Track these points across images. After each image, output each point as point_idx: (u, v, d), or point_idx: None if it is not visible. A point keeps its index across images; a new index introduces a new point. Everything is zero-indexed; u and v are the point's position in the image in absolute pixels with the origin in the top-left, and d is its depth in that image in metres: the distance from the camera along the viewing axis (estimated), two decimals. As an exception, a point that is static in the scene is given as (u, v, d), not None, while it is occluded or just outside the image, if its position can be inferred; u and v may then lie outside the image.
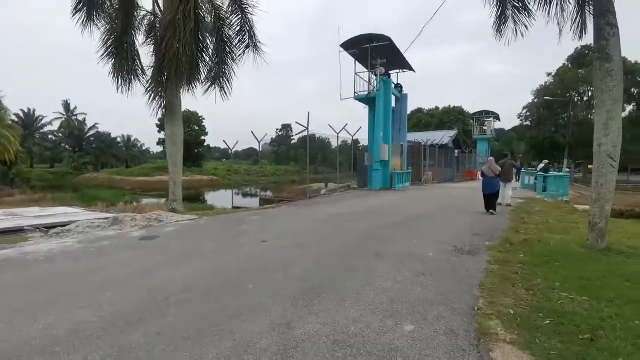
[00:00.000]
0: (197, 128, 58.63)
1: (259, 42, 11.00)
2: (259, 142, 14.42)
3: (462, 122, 60.22)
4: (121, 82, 10.19)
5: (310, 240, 6.00)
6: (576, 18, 7.37)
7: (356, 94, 16.68)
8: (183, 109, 11.26)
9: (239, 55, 11.16)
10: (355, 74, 16.59)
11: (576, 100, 42.49)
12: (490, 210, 9.67)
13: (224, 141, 14.87)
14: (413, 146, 22.23)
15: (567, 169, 16.79)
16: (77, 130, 55.81)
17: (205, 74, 10.92)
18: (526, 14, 7.01)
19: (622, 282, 4.12)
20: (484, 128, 43.67)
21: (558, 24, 6.99)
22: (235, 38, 11.09)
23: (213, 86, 11.12)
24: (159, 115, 10.57)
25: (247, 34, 11.08)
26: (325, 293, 3.63)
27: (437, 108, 67.68)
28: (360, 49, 16.24)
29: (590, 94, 39.81)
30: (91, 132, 59.11)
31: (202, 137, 59.47)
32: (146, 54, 10.46)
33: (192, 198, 30.51)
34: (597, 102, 5.94)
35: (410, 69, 19.68)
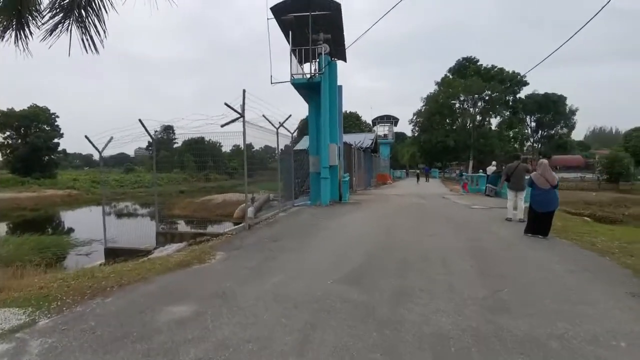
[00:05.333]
0: (47, 128, 44.84)
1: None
2: (152, 137, 8.83)
3: (358, 127, 61.57)
4: None
5: None
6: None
7: (293, 78, 12.39)
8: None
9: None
10: (292, 49, 12.29)
11: (456, 107, 46.62)
12: (538, 235, 6.81)
13: (86, 137, 8.76)
14: (345, 148, 19.05)
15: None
16: None
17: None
18: None
19: None
20: (386, 133, 44.29)
21: None
22: None
23: (66, 23, 5.48)
24: None
25: None
26: None
27: (333, 113, 67.93)
28: (296, 19, 12.05)
29: (473, 102, 43.97)
30: None
31: (55, 140, 45.60)
32: None
33: (38, 225, 21.12)
34: None
35: (344, 58, 16.41)
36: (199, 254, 5.91)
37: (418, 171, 34.74)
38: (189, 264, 5.25)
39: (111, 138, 9.08)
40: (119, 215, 26.27)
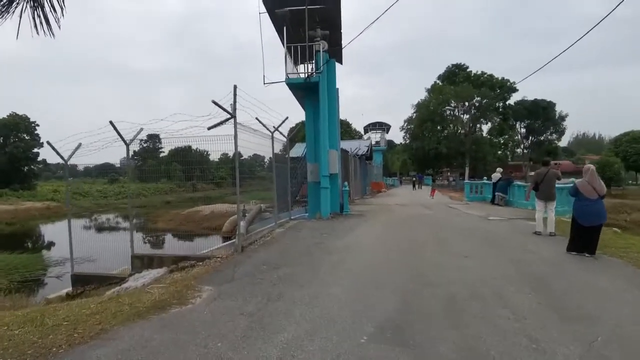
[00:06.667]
0: (26, 137, 42.57)
1: None
2: (125, 142, 7.50)
3: (349, 134, 60.78)
4: None
5: None
6: None
7: (288, 77, 11.26)
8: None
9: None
10: (287, 47, 11.17)
11: (447, 114, 46.08)
12: (584, 253, 5.82)
13: (48, 142, 7.43)
14: (342, 155, 17.95)
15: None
16: None
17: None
18: None
19: None
20: (378, 140, 43.52)
21: None
22: None
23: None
24: None
25: None
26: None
27: (322, 121, 67.03)
28: (291, 14, 10.97)
29: (465, 108, 43.59)
30: None
31: (35, 150, 43.22)
32: None
33: (12, 241, 19.43)
34: None
35: (340, 59, 15.39)
36: (181, 288, 4.67)
37: (414, 179, 37.38)
38: (166, 306, 3.99)
39: (79, 145, 7.74)
40: (100, 229, 24.38)
